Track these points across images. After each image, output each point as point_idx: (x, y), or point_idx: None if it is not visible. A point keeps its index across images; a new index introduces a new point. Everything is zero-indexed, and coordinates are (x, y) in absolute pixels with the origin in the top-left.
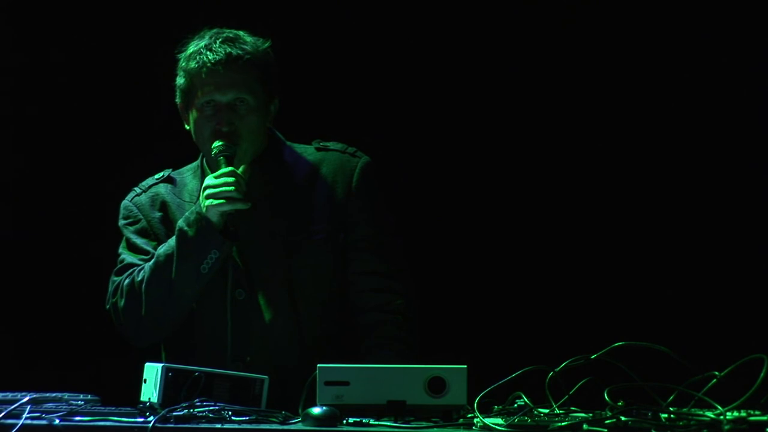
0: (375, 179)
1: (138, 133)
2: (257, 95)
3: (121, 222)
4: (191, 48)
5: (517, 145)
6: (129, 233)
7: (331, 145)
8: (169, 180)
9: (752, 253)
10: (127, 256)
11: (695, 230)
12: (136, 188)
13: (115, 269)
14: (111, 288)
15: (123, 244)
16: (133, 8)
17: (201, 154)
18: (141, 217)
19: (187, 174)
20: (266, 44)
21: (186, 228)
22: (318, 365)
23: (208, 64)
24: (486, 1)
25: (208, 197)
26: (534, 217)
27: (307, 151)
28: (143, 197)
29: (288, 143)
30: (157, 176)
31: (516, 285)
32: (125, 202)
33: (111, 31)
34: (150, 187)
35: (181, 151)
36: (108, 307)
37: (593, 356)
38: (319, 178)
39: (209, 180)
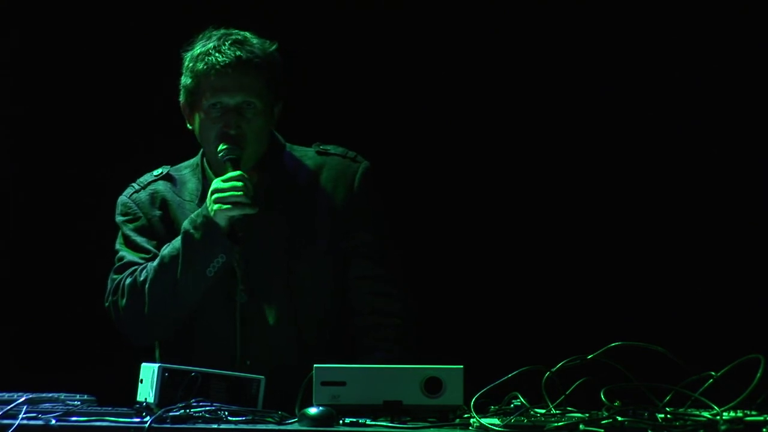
0: (375, 184)
1: (132, 129)
2: (264, 98)
3: (119, 218)
4: (198, 48)
5: (512, 147)
6: (128, 230)
7: (332, 149)
8: (168, 178)
9: (749, 253)
10: (126, 254)
11: (692, 230)
12: (133, 184)
13: (115, 267)
14: (111, 286)
15: (120, 240)
16: (127, 2)
17: (200, 151)
18: (141, 214)
19: (185, 171)
20: (273, 46)
21: (192, 231)
22: (314, 365)
23: (217, 66)
24: (487, 6)
25: (216, 201)
26: (530, 217)
27: (308, 154)
28: (142, 194)
29: (288, 145)
30: (155, 173)
31: (512, 285)
32: (123, 198)
33: (107, 24)
34: (149, 184)
35: (177, 147)
36: (107, 304)
37: (590, 356)
38: (320, 183)
39: (217, 184)
